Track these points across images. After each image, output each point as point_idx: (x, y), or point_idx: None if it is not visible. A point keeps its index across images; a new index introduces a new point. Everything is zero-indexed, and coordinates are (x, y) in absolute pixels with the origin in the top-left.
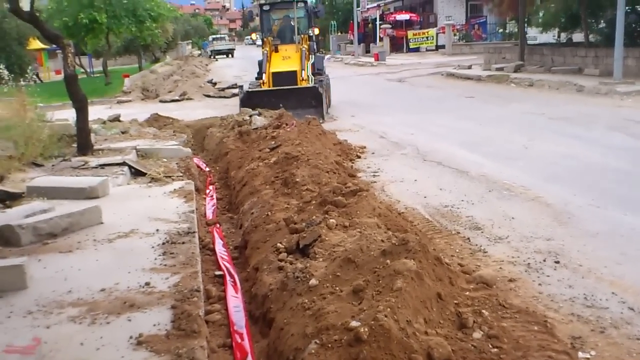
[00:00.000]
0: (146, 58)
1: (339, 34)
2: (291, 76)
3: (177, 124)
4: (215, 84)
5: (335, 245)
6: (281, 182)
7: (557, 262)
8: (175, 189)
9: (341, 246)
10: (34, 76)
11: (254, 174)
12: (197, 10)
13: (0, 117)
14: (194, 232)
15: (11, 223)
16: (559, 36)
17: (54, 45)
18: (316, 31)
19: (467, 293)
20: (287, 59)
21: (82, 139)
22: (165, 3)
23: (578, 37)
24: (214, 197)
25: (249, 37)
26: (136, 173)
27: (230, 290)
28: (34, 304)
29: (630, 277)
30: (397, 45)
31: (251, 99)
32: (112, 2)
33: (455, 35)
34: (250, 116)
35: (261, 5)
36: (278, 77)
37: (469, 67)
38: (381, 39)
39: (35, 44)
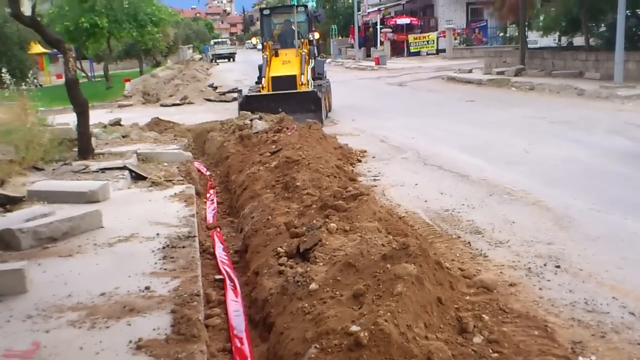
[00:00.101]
0: (147, 62)
1: (340, 38)
2: (291, 80)
3: (177, 128)
4: (216, 88)
5: (336, 250)
6: (282, 186)
7: (558, 267)
8: (175, 193)
9: (342, 250)
10: (35, 80)
11: (254, 178)
12: (198, 15)
13: (1, 121)
14: (194, 236)
15: (11, 227)
16: (559, 40)
17: (55, 50)
18: (316, 35)
19: (468, 297)
20: (287, 63)
21: (83, 143)
22: (166, 7)
23: (579, 40)
24: (215, 201)
25: (249, 41)
26: (137, 177)
27: (230, 294)
28: (34, 308)
29: (631, 282)
30: (398, 49)
31: (250, 103)
32: (113, 6)
33: (455, 39)
34: (251, 120)
35: (261, 10)
36: (277, 81)
37: (470, 71)
38: (382, 43)
39: (37, 48)
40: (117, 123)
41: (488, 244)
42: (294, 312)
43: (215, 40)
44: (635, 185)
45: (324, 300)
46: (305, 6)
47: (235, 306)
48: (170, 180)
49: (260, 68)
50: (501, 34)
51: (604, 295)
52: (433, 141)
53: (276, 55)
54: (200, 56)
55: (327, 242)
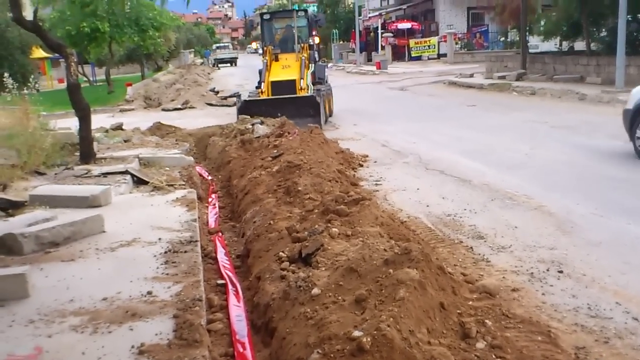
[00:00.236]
0: (149, 67)
1: (341, 42)
2: (290, 85)
3: (179, 132)
4: (217, 92)
5: (338, 255)
6: (283, 190)
7: (561, 272)
8: (177, 198)
9: (344, 255)
10: (36, 84)
11: (256, 183)
12: (199, 19)
13: (4, 125)
14: (196, 240)
15: (14, 232)
16: (560, 45)
17: (57, 54)
18: (316, 40)
19: (470, 303)
20: (286, 68)
21: (84, 148)
22: (167, 12)
23: (580, 45)
24: (216, 205)
25: (250, 46)
26: (139, 181)
27: (232, 299)
28: (36, 313)
29: (634, 287)
30: (399, 54)
31: (249, 108)
32: (114, 11)
33: (457, 43)
34: (253, 125)
35: (262, 15)
36: (277, 86)
37: (471, 76)
38: (383, 48)
39: (39, 52)
40: (118, 127)
41: (490, 249)
42: (296, 317)
43: (218, 44)
44: (637, 190)
45: (326, 305)
46: (306, 11)
47: (237, 311)
48: (172, 185)
49: (260, 73)
50: (502, 39)
51: (607, 300)
52: (434, 146)
53: (276, 59)
54: (202, 61)
55: (329, 247)
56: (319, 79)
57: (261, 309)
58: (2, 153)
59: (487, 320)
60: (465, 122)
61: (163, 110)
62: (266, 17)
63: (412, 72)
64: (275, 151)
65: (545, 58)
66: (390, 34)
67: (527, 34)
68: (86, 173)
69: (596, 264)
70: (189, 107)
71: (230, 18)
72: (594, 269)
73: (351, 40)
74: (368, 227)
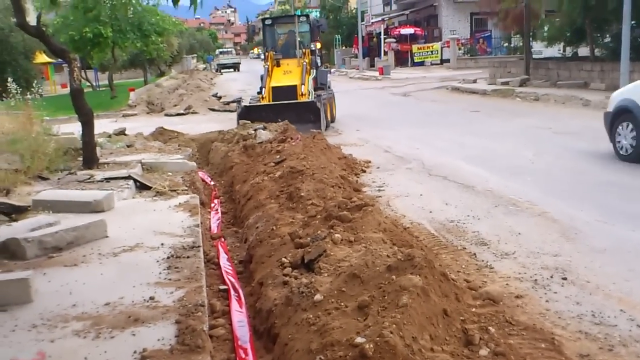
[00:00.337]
0: (151, 72)
1: (344, 48)
2: (291, 91)
3: (182, 137)
4: (220, 97)
5: (341, 261)
6: (286, 196)
7: (565, 279)
8: (180, 203)
9: (346, 261)
10: (39, 89)
11: (258, 188)
12: (202, 25)
13: (7, 130)
14: (198, 246)
15: (17, 236)
16: (564, 50)
17: (60, 59)
18: (318, 45)
19: (474, 309)
20: (288, 74)
21: (87, 153)
22: (170, 17)
23: (584, 51)
24: (219, 211)
25: (252, 51)
26: (141, 187)
27: (234, 304)
28: (39, 318)
29: (639, 294)
30: (402, 59)
31: (249, 114)
32: (117, 16)
33: (460, 49)
34: (255, 130)
35: (263, 20)
36: (278, 91)
37: (474, 81)
38: (386, 53)
39: (42, 57)
40: (121, 132)
41: (494, 255)
42: (299, 323)
43: (221, 49)
44: None
45: (328, 311)
46: (307, 16)
47: (239, 317)
48: (175, 190)
49: (262, 78)
50: (505, 44)
51: (611, 307)
52: (437, 151)
53: (278, 65)
54: (204, 66)
55: (332, 253)
56: (321, 85)
57: (263, 314)
58: (6, 158)
59: (490, 327)
60: (468, 128)
61: (166, 115)
62: (268, 22)
63: (415, 78)
64: (277, 157)
65: (549, 64)
66: (393, 40)
67: (531, 39)
68: (89, 178)
69: (600, 270)
70: (192, 113)
71: (232, 23)
72: (598, 276)
73: (354, 46)
74: (371, 233)
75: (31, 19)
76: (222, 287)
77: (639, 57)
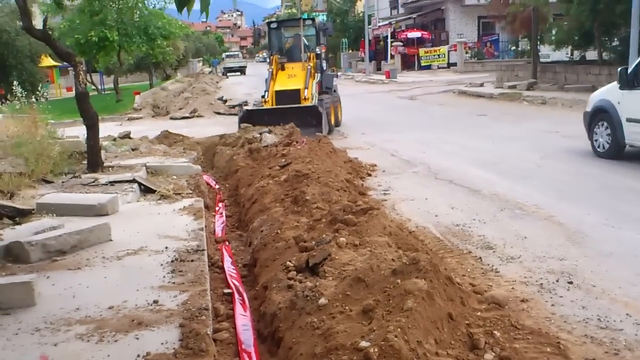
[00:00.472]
0: (157, 75)
1: (350, 51)
2: (294, 95)
3: (187, 141)
4: (225, 101)
5: (345, 264)
6: (291, 199)
7: (571, 283)
8: (184, 207)
9: (351, 265)
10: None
11: (263, 192)
12: (208, 28)
13: (12, 133)
14: (203, 249)
15: (21, 240)
16: (572, 54)
17: (66, 63)
18: (323, 49)
19: (479, 313)
20: (292, 77)
21: (92, 156)
22: (176, 20)
23: (591, 55)
24: (224, 214)
25: (258, 55)
26: (146, 190)
27: (238, 308)
28: (42, 321)
29: None
30: (409, 63)
31: (250, 117)
32: (123, 20)
33: (467, 52)
34: (261, 133)
35: (269, 23)
36: (281, 95)
37: (481, 85)
38: (392, 57)
39: (47, 61)
40: (126, 136)
41: (499, 259)
42: (303, 327)
43: (227, 53)
44: None
45: (333, 315)
46: (313, 19)
47: (243, 320)
48: (179, 194)
49: (267, 81)
50: (513, 48)
51: (617, 311)
52: (444, 155)
53: (282, 69)
54: (210, 69)
55: (337, 257)
56: (326, 89)
57: (268, 318)
58: (10, 161)
59: (495, 331)
60: (475, 132)
61: (171, 118)
62: (273, 25)
63: (422, 81)
64: (283, 160)
65: (557, 67)
66: (400, 43)
67: (538, 43)
68: (93, 181)
69: (606, 275)
70: (197, 116)
71: (239, 27)
72: (604, 280)
73: (360, 49)
74: (376, 236)
75: (37, 23)
76: (226, 290)
77: None
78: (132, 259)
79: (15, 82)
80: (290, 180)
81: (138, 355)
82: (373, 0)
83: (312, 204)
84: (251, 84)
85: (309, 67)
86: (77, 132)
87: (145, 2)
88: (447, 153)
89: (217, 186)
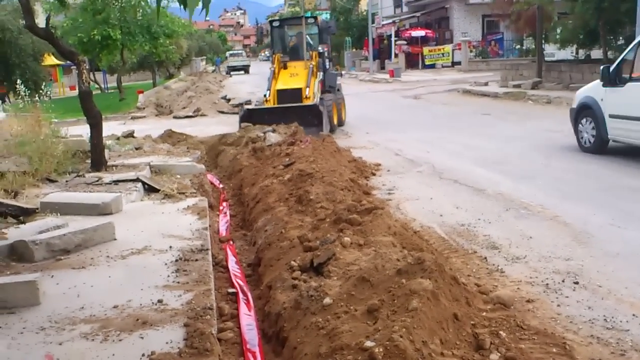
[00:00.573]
0: (160, 74)
1: (354, 50)
2: (296, 94)
3: (190, 140)
4: (229, 100)
5: (350, 264)
6: (295, 199)
7: (577, 283)
8: (188, 206)
9: (356, 265)
10: (48, 92)
11: (267, 191)
12: (211, 27)
13: (16, 132)
14: (207, 249)
15: (25, 239)
16: (577, 53)
17: (69, 61)
18: (326, 47)
19: (484, 314)
20: (294, 76)
21: (96, 155)
22: (179, 19)
23: (596, 53)
24: (228, 213)
25: (261, 53)
26: (150, 189)
27: (243, 308)
28: (47, 320)
29: None
30: (413, 62)
31: (251, 116)
32: (126, 18)
33: (471, 51)
34: (265, 133)
35: (271, 22)
36: (283, 94)
37: (486, 84)
38: (396, 56)
39: (50, 60)
40: (130, 135)
41: (505, 259)
42: (308, 327)
43: (231, 52)
44: None
45: (338, 315)
46: (315, 18)
47: (248, 320)
48: (183, 193)
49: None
50: (517, 47)
51: (623, 312)
52: (448, 155)
53: (285, 67)
54: (213, 68)
55: (341, 257)
56: (329, 87)
57: (272, 318)
58: (14, 160)
59: (501, 332)
60: (479, 131)
61: (174, 117)
62: (276, 24)
63: (426, 80)
64: (287, 159)
65: (562, 66)
66: (404, 42)
67: (543, 42)
68: (97, 180)
69: (613, 275)
70: (201, 115)
71: (242, 25)
72: (611, 281)
73: (364, 48)
74: (380, 236)
75: (40, 21)
76: (231, 290)
77: None
78: (136, 258)
79: (18, 81)
80: (294, 179)
81: (143, 355)
82: None
83: (316, 203)
84: (255, 83)
85: (311, 65)
86: (81, 131)
87: (148, 0)
88: (451, 152)
89: (221, 185)
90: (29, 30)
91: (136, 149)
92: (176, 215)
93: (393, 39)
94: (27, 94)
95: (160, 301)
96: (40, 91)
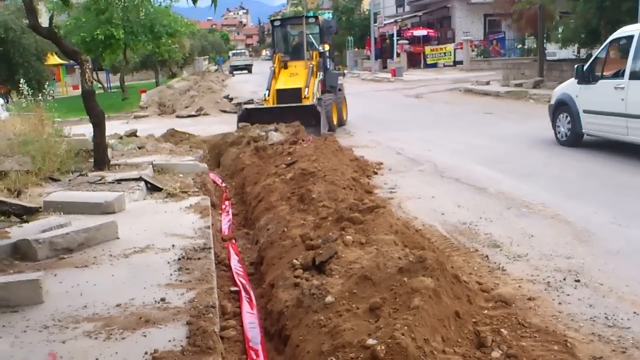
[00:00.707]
0: (163, 73)
1: (356, 49)
2: (295, 93)
3: (193, 139)
4: (231, 99)
5: (352, 262)
6: (297, 198)
7: (578, 281)
8: (191, 205)
9: (358, 263)
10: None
11: (270, 190)
12: (214, 26)
13: (19, 131)
14: (209, 247)
15: (28, 237)
16: (578, 52)
17: (72, 61)
18: (326, 47)
19: (486, 312)
20: (294, 76)
21: (98, 154)
22: (182, 18)
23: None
24: (230, 212)
25: (262, 52)
26: (152, 188)
27: (245, 306)
28: (50, 319)
29: None
30: (415, 61)
31: (249, 116)
32: (129, 18)
33: (473, 51)
34: (266, 132)
35: (272, 21)
36: (282, 94)
37: (487, 83)
38: (398, 55)
39: (54, 59)
40: (133, 134)
41: (506, 257)
42: (310, 325)
43: (234, 51)
44: None
45: (340, 313)
46: (317, 17)
47: (250, 318)
48: (186, 192)
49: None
50: (519, 46)
51: (624, 310)
52: (450, 153)
53: (285, 67)
54: (216, 67)
55: (343, 255)
56: (330, 87)
57: (274, 316)
58: (17, 159)
59: (502, 330)
60: (481, 130)
61: (177, 117)
62: (277, 23)
63: (428, 80)
64: (289, 158)
65: (563, 65)
66: (406, 41)
67: (545, 41)
68: (100, 179)
69: (614, 273)
70: (203, 114)
71: (244, 25)
72: (612, 279)
73: (366, 48)
74: (382, 235)
75: (43, 21)
76: (233, 288)
77: None
78: (139, 257)
79: (21, 80)
80: (296, 178)
81: (146, 353)
82: None
83: (318, 202)
84: (257, 82)
85: (311, 65)
86: (84, 130)
87: (151, 0)
88: (453, 151)
89: (223, 184)
90: (32, 30)
91: (139, 148)
92: (179, 214)
93: (395, 38)
94: (30, 93)
95: (163, 299)
96: (44, 90)
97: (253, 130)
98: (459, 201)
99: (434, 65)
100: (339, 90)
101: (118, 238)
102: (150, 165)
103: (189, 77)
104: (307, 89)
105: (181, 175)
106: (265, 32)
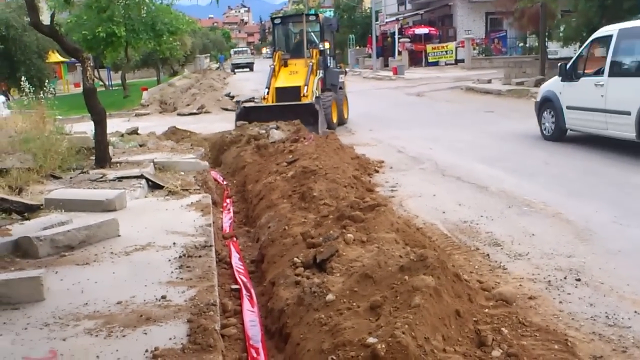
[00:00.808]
0: (164, 71)
1: (358, 47)
2: (295, 92)
3: (194, 137)
4: (233, 97)
5: (353, 261)
6: (298, 196)
7: (579, 280)
8: (192, 202)
9: (359, 261)
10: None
11: (271, 188)
12: (215, 24)
13: (20, 129)
14: (210, 245)
15: (29, 235)
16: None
17: (73, 59)
18: (326, 45)
19: (487, 310)
20: (294, 74)
21: (100, 152)
22: (184, 16)
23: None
24: (231, 210)
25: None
26: (153, 186)
27: (246, 304)
28: (51, 316)
29: None
30: (416, 59)
31: (248, 114)
32: (131, 16)
33: (474, 49)
34: (268, 130)
35: (273, 19)
36: (282, 92)
37: (489, 82)
38: (400, 53)
39: (55, 57)
40: (134, 132)
41: (507, 256)
42: (311, 323)
43: (235, 49)
44: None
45: (340, 311)
46: (317, 15)
47: (251, 316)
48: (187, 190)
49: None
50: (521, 44)
51: (625, 309)
52: (451, 152)
53: (285, 65)
54: (217, 65)
55: (344, 253)
56: (331, 85)
57: (275, 314)
58: (19, 157)
59: (503, 328)
60: (482, 129)
61: (178, 114)
62: (277, 21)
63: (429, 78)
64: (290, 156)
65: None
66: (407, 39)
67: (546, 39)
68: (101, 177)
69: (614, 272)
70: (205, 112)
71: (246, 23)
72: (613, 278)
73: (368, 46)
74: (383, 233)
75: (45, 18)
76: (234, 286)
77: None
78: (140, 255)
79: (23, 78)
80: (297, 176)
81: (146, 350)
82: None
83: (319, 200)
84: (258, 80)
85: (311, 63)
86: (85, 127)
87: None
88: (454, 150)
89: (224, 182)
90: (34, 28)
91: (140, 145)
92: (180, 211)
93: (397, 36)
94: (32, 91)
95: (163, 297)
96: (45, 88)
97: (252, 129)
98: (460, 200)
99: (436, 64)
100: (340, 88)
101: (119, 236)
102: (152, 163)
103: (191, 75)
104: (306, 87)
105: (182, 173)
106: (267, 30)
